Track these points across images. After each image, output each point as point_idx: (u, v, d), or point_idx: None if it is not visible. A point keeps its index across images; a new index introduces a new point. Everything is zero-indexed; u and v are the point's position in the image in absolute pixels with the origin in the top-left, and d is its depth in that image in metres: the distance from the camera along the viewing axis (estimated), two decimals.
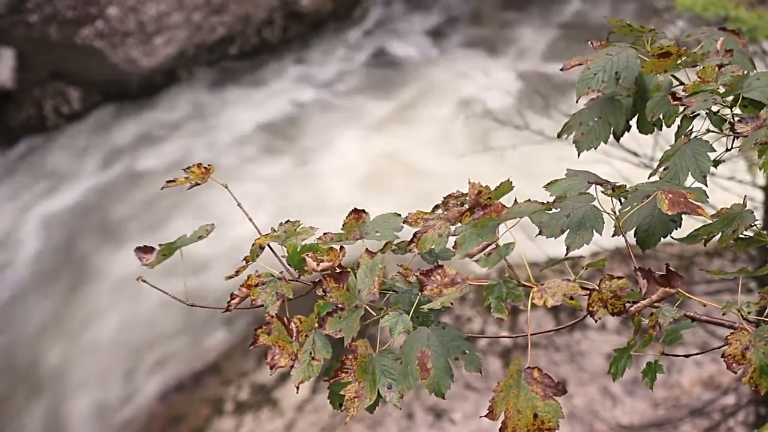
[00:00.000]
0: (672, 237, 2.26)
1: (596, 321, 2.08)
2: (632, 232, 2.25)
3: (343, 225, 2.29)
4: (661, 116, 2.40)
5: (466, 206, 2.19)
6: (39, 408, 8.67)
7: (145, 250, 2.32)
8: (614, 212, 2.22)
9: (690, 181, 2.26)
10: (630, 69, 2.40)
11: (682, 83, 2.42)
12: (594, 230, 2.20)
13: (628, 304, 2.09)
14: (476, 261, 2.14)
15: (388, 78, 11.66)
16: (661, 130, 2.43)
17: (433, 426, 7.80)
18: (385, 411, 7.73)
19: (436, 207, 2.24)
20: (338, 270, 2.17)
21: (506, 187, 2.21)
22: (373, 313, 2.12)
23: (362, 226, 2.27)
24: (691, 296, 2.15)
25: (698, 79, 2.34)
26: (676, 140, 2.35)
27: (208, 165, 2.38)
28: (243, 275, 2.22)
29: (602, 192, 2.25)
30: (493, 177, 2.32)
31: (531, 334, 2.10)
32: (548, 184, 2.30)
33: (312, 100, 11.41)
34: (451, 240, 2.17)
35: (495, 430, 2.02)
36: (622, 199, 2.25)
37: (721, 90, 2.31)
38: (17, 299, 9.47)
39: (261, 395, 8.26)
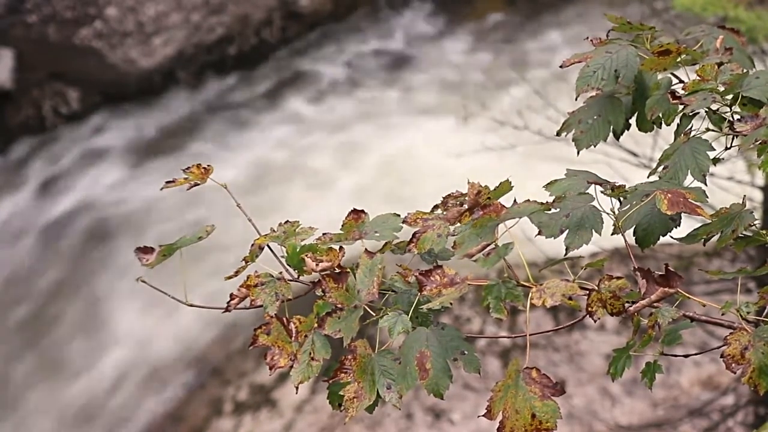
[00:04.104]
0: (671, 237, 2.26)
1: (595, 321, 2.08)
2: (631, 231, 2.24)
3: (342, 225, 2.29)
4: (660, 114, 2.39)
5: (466, 206, 2.19)
6: (33, 402, 8.67)
7: (145, 250, 2.32)
8: (613, 212, 2.22)
9: (689, 180, 2.26)
10: (629, 67, 2.39)
11: (681, 81, 2.41)
12: (593, 230, 2.20)
13: (627, 305, 2.08)
14: (475, 261, 2.13)
15: (387, 78, 11.66)
16: (660, 128, 2.43)
17: (432, 426, 7.80)
18: (384, 411, 7.73)
19: (436, 207, 2.23)
20: (337, 270, 2.17)
21: (505, 187, 2.21)
22: (372, 313, 2.12)
23: (361, 226, 2.27)
24: (690, 296, 2.15)
25: (698, 78, 2.34)
26: (675, 139, 2.35)
27: (207, 165, 2.38)
28: (242, 275, 2.22)
29: (601, 192, 2.25)
30: (493, 177, 2.32)
31: (530, 335, 2.10)
32: (547, 184, 2.30)
33: (311, 100, 11.41)
34: (451, 240, 2.17)
35: (493, 430, 2.02)
36: (622, 199, 2.24)
37: (721, 88, 2.31)
38: (12, 299, 9.47)
39: (260, 395, 8.25)
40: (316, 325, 2.11)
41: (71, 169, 10.71)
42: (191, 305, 2.30)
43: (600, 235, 2.21)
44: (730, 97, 2.31)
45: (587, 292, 2.07)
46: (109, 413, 8.57)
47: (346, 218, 2.29)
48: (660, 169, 2.30)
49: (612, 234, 2.22)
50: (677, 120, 2.38)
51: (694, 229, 2.27)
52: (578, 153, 2.46)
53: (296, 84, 11.65)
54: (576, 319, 2.23)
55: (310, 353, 2.10)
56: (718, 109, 2.33)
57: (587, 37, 2.50)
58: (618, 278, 2.07)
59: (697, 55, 2.39)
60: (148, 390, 8.63)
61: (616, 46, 2.42)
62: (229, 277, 2.24)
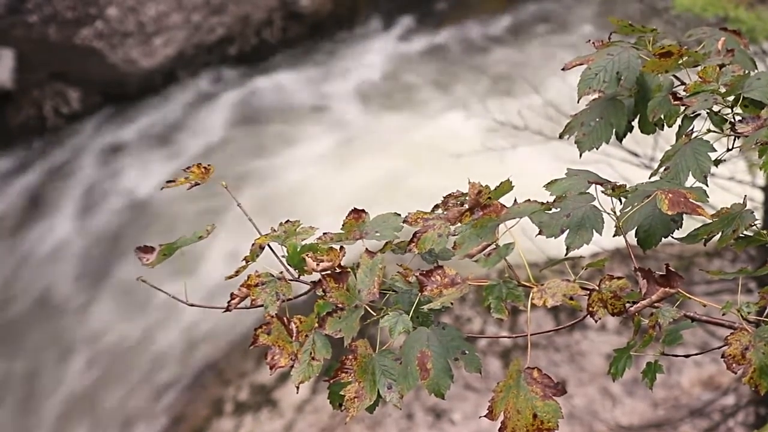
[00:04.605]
0: (672, 237, 2.26)
1: (596, 321, 2.08)
2: (633, 232, 2.24)
3: (342, 225, 2.29)
4: (662, 116, 2.39)
5: (466, 206, 2.19)
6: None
7: (146, 249, 2.32)
8: (614, 212, 2.22)
9: (691, 181, 2.26)
10: (631, 69, 2.39)
11: (683, 83, 2.42)
12: (594, 230, 2.20)
13: (627, 305, 2.09)
14: (476, 261, 2.14)
15: (387, 79, 11.66)
16: (662, 130, 2.43)
17: (432, 426, 7.80)
18: (385, 411, 7.73)
19: (436, 207, 2.24)
20: (338, 270, 2.17)
21: (506, 187, 2.21)
22: (372, 313, 2.12)
23: (362, 225, 2.27)
24: (690, 296, 2.15)
25: (699, 79, 2.34)
26: (677, 140, 2.35)
27: (208, 165, 2.38)
28: (243, 275, 2.22)
29: (602, 192, 2.25)
30: (493, 177, 2.32)
31: (531, 335, 2.10)
32: (548, 183, 2.30)
33: (311, 101, 11.41)
34: (451, 240, 2.17)
35: (495, 430, 2.02)
36: (623, 199, 2.24)
37: (722, 90, 2.31)
38: (8, 300, 9.47)
39: (260, 396, 8.25)
40: (316, 324, 2.11)
41: (72, 169, 10.71)
42: (192, 305, 2.30)
43: (601, 235, 2.21)
44: (731, 98, 2.32)
45: (588, 292, 2.07)
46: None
47: (346, 218, 2.29)
48: (661, 169, 2.31)
49: (614, 236, 2.22)
50: (679, 121, 2.38)
51: (695, 229, 2.28)
52: (581, 155, 2.46)
53: (295, 85, 11.65)
54: (577, 319, 2.23)
55: (310, 353, 2.10)
56: (719, 111, 2.33)
57: (589, 40, 2.50)
58: (619, 278, 2.07)
59: (698, 57, 2.39)
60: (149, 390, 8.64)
61: (618, 49, 2.42)
62: (230, 277, 2.24)
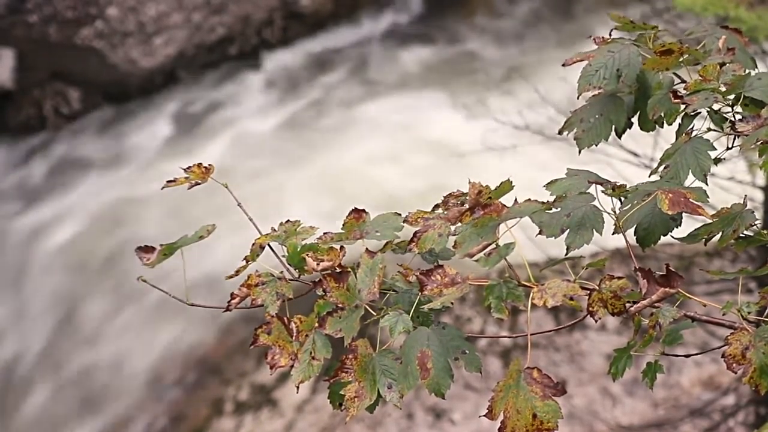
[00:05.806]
0: (672, 236, 2.26)
1: (596, 321, 2.08)
2: (632, 231, 2.24)
3: (343, 225, 2.29)
4: (662, 114, 2.39)
5: (467, 206, 2.19)
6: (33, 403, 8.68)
7: (146, 249, 2.32)
8: (614, 212, 2.22)
9: (690, 180, 2.26)
10: (632, 66, 2.39)
11: (684, 81, 2.41)
12: (594, 230, 2.20)
13: (628, 304, 2.09)
14: (476, 261, 2.14)
15: (387, 79, 11.66)
16: (662, 127, 2.43)
17: (432, 426, 7.80)
18: (385, 411, 7.73)
19: (437, 206, 2.24)
20: (338, 270, 2.17)
21: (506, 186, 2.21)
22: (373, 312, 2.12)
23: (362, 225, 2.27)
24: (691, 296, 2.15)
25: (700, 78, 2.34)
26: (677, 139, 2.35)
27: (209, 165, 2.38)
28: (243, 275, 2.22)
29: (602, 191, 2.25)
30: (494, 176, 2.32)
31: (531, 335, 2.10)
32: (548, 183, 2.30)
33: (312, 100, 11.41)
34: (451, 240, 2.17)
35: (494, 430, 2.02)
36: (623, 199, 2.25)
37: (723, 88, 2.31)
38: (8, 303, 9.47)
39: (261, 395, 8.25)
40: (316, 324, 2.11)
41: (72, 169, 10.71)
42: (192, 304, 2.30)
43: (601, 234, 2.21)
44: (732, 97, 2.32)
45: (588, 292, 2.07)
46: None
47: (346, 217, 2.29)
48: (661, 168, 2.31)
49: (613, 233, 2.22)
50: (679, 120, 2.38)
51: (695, 229, 2.28)
52: (579, 152, 2.46)
53: (296, 85, 11.66)
54: (577, 319, 2.23)
55: (311, 353, 2.10)
56: (719, 109, 2.33)
57: (590, 36, 2.50)
58: (619, 278, 2.07)
59: (699, 55, 2.39)
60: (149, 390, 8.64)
61: (618, 46, 2.42)
62: (230, 277, 2.24)
